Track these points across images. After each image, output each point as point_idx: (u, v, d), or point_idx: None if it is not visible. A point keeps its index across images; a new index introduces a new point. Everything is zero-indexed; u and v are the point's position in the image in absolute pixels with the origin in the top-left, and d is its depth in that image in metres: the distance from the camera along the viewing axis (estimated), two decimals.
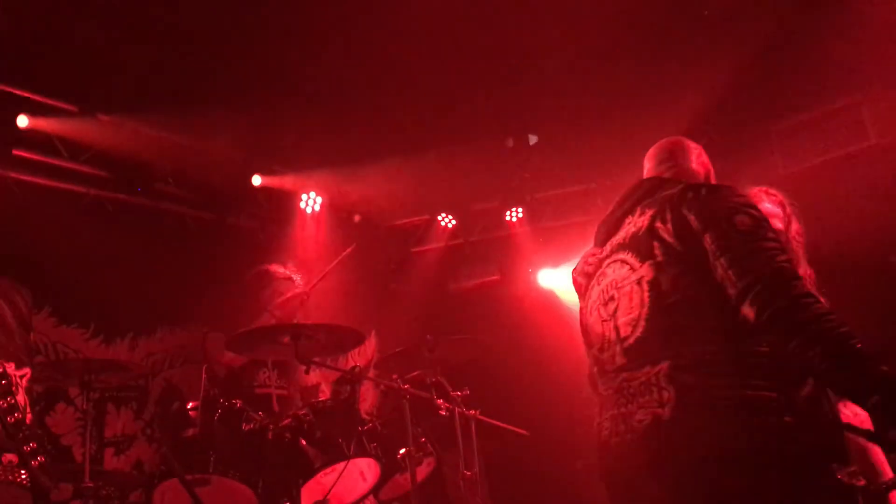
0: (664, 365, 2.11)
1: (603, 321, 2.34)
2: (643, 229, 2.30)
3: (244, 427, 3.69)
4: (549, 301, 7.53)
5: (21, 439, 2.13)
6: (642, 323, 2.19)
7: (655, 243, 2.24)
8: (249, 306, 4.47)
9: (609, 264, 2.41)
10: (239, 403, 3.79)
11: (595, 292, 2.43)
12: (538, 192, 7.45)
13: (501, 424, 4.44)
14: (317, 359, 3.71)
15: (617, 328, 2.27)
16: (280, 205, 6.82)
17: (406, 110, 5.86)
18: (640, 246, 2.28)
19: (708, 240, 2.13)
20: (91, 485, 3.54)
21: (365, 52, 5.10)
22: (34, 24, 4.59)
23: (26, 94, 5.06)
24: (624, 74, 5.46)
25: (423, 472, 4.16)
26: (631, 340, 2.22)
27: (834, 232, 3.65)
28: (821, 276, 3.07)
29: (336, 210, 6.98)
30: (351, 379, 4.24)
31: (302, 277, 4.65)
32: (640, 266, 2.25)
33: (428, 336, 4.17)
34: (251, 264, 6.44)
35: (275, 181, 6.56)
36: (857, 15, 4.76)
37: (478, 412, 4.22)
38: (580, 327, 2.53)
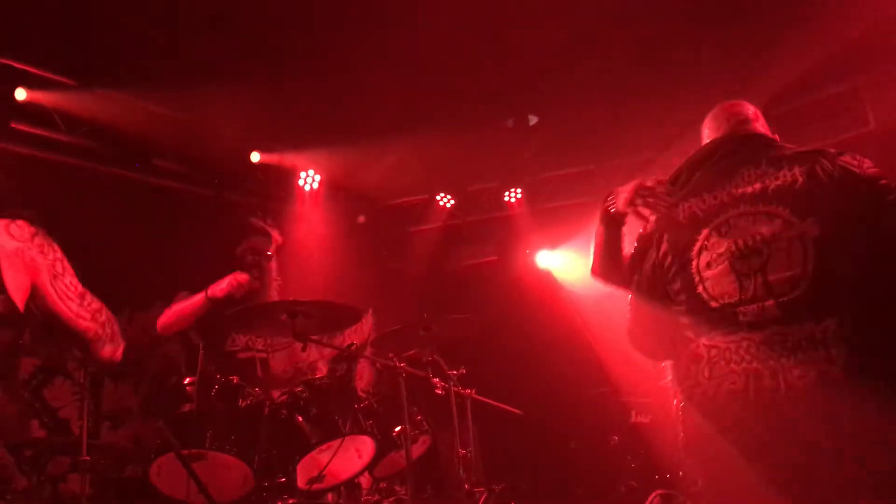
0: (832, 322, 2.09)
1: (741, 275, 2.26)
2: (800, 184, 2.24)
3: (241, 403, 3.70)
4: (546, 282, 7.55)
5: None
6: (805, 281, 2.16)
7: (818, 200, 2.20)
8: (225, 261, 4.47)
9: (742, 216, 2.31)
10: (236, 379, 3.80)
11: (720, 243, 2.32)
12: (537, 173, 7.44)
13: (497, 404, 4.47)
14: (314, 336, 3.72)
15: (768, 284, 2.20)
16: (279, 182, 6.82)
17: (406, 90, 5.84)
18: (799, 202, 2.22)
19: (880, 208, 2.16)
20: (88, 459, 3.56)
21: (366, 30, 5.07)
22: None
23: (25, 67, 5.04)
24: (624, 57, 5.44)
25: (418, 450, 4.18)
26: (791, 296, 2.17)
27: None
28: None
29: (335, 188, 6.97)
30: (348, 356, 4.26)
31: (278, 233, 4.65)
32: (801, 222, 2.20)
33: (425, 315, 4.18)
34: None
35: (273, 158, 6.56)
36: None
37: (473, 391, 4.25)
38: (657, 270, 2.48)
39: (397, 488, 4.28)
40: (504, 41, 5.36)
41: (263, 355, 4.36)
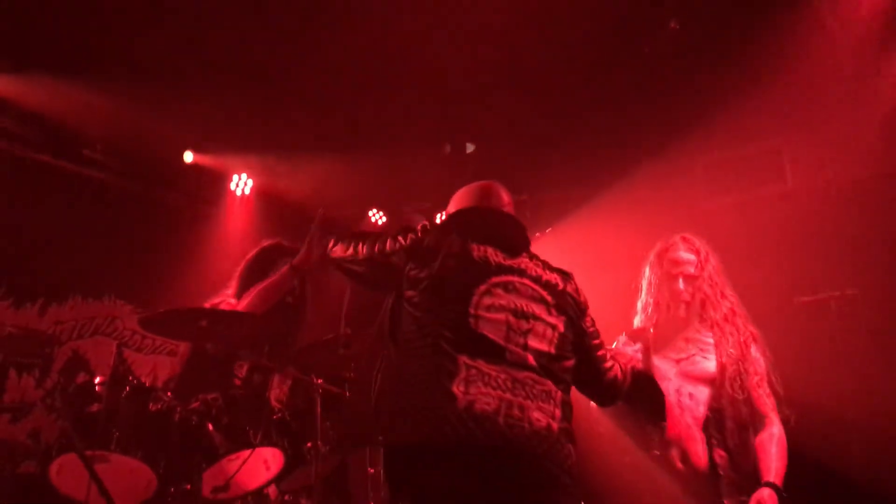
0: (559, 390, 2.61)
1: (511, 328, 2.61)
2: (559, 289, 2.78)
3: (151, 407, 3.64)
4: None
5: None
6: (551, 356, 2.64)
7: (566, 308, 2.75)
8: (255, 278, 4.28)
9: (524, 285, 2.72)
10: (148, 382, 3.75)
11: (505, 297, 2.66)
12: None
13: None
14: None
15: (527, 345, 2.61)
16: (210, 184, 6.75)
17: (347, 106, 5.88)
18: (557, 300, 2.74)
19: (588, 322, 2.84)
20: None
21: (312, 44, 5.10)
22: None
23: None
24: (562, 94, 5.61)
25: (327, 466, 4.18)
26: (541, 361, 2.60)
27: (740, 273, 3.86)
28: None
29: (266, 195, 6.93)
30: (263, 367, 4.24)
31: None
32: (555, 317, 2.71)
33: (347, 330, 4.17)
34: (175, 240, 6.39)
35: (207, 160, 6.49)
36: (788, 61, 5.02)
37: None
38: (454, 290, 2.66)
39: (303, 502, 4.27)
40: (447, 71, 5.46)
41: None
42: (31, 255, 5.38)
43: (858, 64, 5.07)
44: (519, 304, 2.65)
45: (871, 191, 5.36)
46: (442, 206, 7.47)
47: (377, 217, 7.73)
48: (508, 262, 2.74)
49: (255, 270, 4.34)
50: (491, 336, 2.55)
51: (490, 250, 2.75)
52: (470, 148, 6.53)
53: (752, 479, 3.27)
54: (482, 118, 6.08)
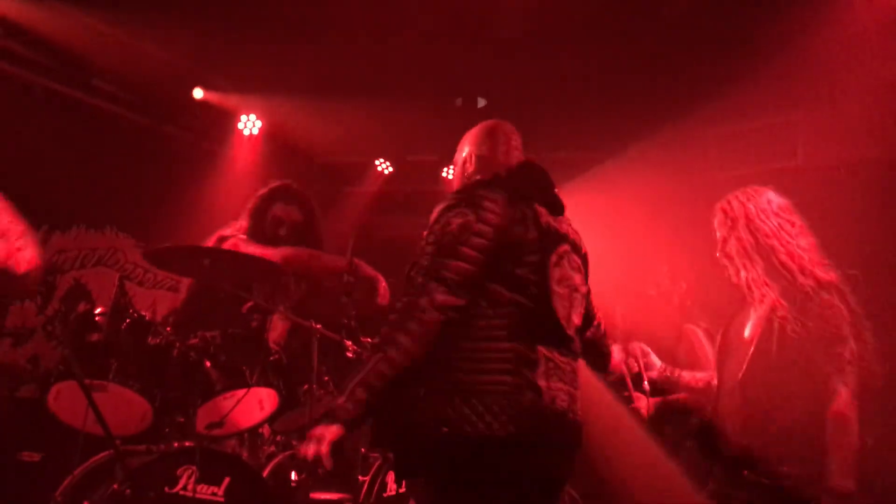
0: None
1: (568, 307, 2.48)
2: (583, 252, 2.66)
3: (150, 340, 3.68)
4: None
5: None
6: (580, 332, 2.57)
7: (587, 273, 2.65)
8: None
9: (568, 254, 2.53)
10: (148, 315, 3.79)
11: (559, 271, 2.46)
12: None
13: None
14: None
15: (572, 318, 2.49)
16: (218, 122, 6.72)
17: (359, 52, 5.82)
18: (586, 267, 2.65)
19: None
20: None
21: None
22: None
23: None
24: (576, 56, 5.55)
25: (320, 409, 4.23)
26: (578, 339, 2.54)
27: None
28: None
29: (273, 137, 6.91)
30: (263, 308, 4.27)
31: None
32: (584, 286, 2.62)
33: (350, 278, 4.18)
34: (181, 176, 6.38)
35: (216, 97, 6.45)
36: (808, 36, 4.95)
37: None
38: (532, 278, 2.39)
39: (295, 443, 4.34)
40: (465, 23, 5.39)
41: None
42: (36, 182, 5.36)
43: (879, 43, 5.00)
44: (571, 277, 2.50)
45: (880, 173, 5.34)
46: (448, 160, 7.46)
47: (384, 167, 7.72)
48: (558, 227, 2.53)
49: (264, 210, 4.41)
50: (560, 318, 2.41)
51: (546, 214, 2.51)
52: (481, 103, 6.48)
53: None
54: (495, 74, 6.02)
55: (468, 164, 2.79)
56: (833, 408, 2.72)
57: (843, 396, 2.72)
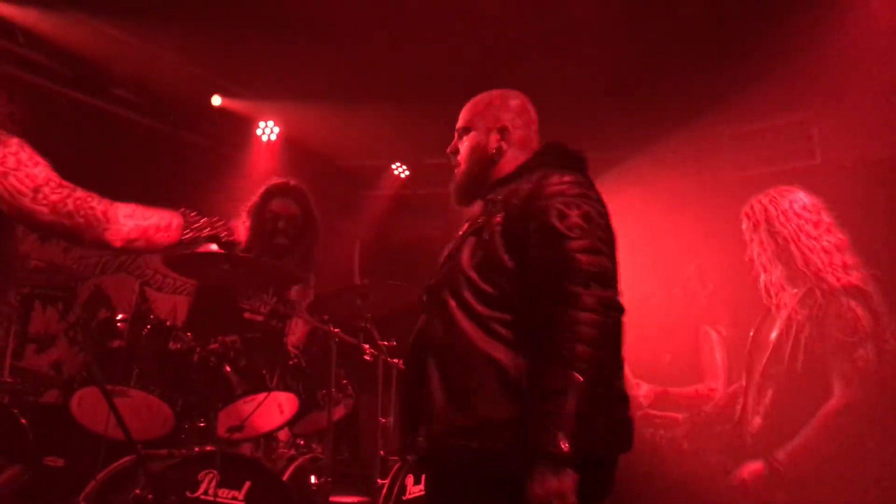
0: None
1: None
2: None
3: (171, 345, 3.73)
4: None
5: None
6: None
7: None
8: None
9: None
10: (169, 321, 3.83)
11: None
12: None
13: None
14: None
15: None
16: (237, 128, 6.78)
17: (375, 56, 5.84)
18: None
19: None
20: (10, 380, 3.57)
21: None
22: None
23: None
24: (593, 58, 5.54)
25: (339, 412, 4.27)
26: None
27: None
28: None
29: (291, 143, 6.95)
30: (282, 312, 4.32)
31: None
32: None
33: (364, 281, 4.22)
34: (200, 182, 6.44)
35: (234, 104, 6.51)
36: (818, 33, 4.93)
37: (401, 362, 4.33)
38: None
39: (314, 446, 4.37)
40: (482, 25, 5.41)
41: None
42: None
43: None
44: None
45: None
46: None
47: (400, 170, 7.74)
48: None
49: (262, 206, 4.52)
50: None
51: None
52: None
53: None
54: (513, 75, 6.01)
55: (502, 139, 2.50)
56: (824, 410, 2.75)
57: (838, 401, 2.76)
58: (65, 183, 2.47)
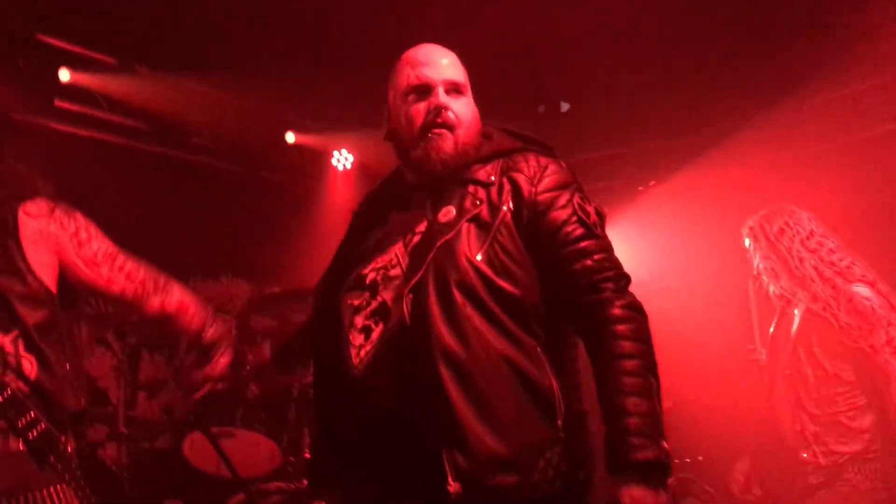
0: None
1: None
2: None
3: (270, 384, 3.82)
4: None
5: (13, 416, 2.10)
6: None
7: None
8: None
9: None
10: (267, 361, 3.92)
11: None
12: (567, 156, 7.42)
13: None
14: None
15: None
16: (312, 160, 6.93)
17: None
18: None
19: None
20: (125, 431, 3.73)
21: (405, 17, 5.10)
22: None
23: (67, 47, 5.16)
24: (653, 43, 5.44)
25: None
26: None
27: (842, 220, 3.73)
28: None
29: (366, 168, 7.06)
30: None
31: None
32: None
33: None
34: (284, 217, 6.62)
35: (307, 139, 6.67)
36: None
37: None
38: None
39: None
40: (532, 32, 5.39)
41: None
42: (150, 242, 5.60)
43: None
44: None
45: None
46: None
47: None
48: None
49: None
50: None
51: None
52: (565, 107, 6.42)
53: None
54: (573, 74, 5.95)
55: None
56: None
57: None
58: (129, 254, 2.57)
